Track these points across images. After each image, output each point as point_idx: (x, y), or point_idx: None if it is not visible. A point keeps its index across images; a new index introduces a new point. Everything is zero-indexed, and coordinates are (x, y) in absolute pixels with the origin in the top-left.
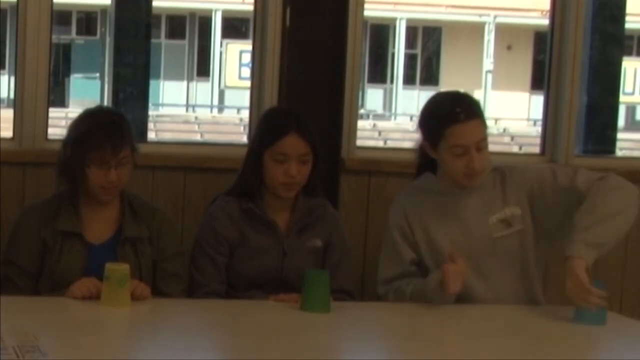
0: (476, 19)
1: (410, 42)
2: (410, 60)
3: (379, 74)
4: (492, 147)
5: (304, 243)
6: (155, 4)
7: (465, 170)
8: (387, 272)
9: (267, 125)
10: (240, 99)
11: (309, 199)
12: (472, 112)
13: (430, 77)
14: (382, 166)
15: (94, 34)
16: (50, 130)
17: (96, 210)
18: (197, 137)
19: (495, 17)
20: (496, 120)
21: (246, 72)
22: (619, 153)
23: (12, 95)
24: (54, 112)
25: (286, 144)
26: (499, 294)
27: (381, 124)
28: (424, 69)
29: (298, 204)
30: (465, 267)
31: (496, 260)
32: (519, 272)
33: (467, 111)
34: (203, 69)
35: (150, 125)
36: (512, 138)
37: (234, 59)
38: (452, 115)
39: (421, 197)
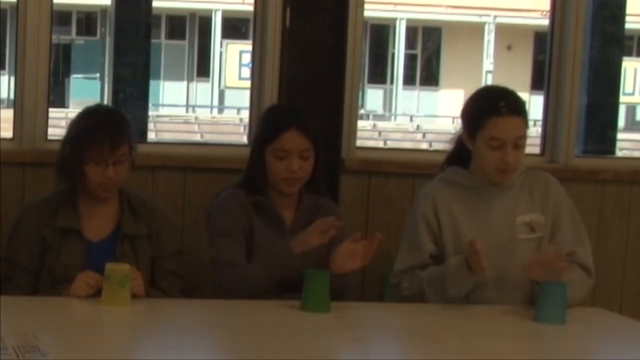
0: (476, 19)
1: (410, 42)
2: (410, 60)
3: (379, 74)
4: None
5: None
6: (155, 4)
7: (498, 164)
8: (403, 263)
9: (267, 122)
10: (240, 99)
11: (313, 197)
12: (515, 109)
13: (430, 77)
14: (382, 166)
15: (94, 34)
16: (50, 131)
17: (95, 207)
18: (197, 137)
19: (495, 17)
20: None
21: (246, 72)
22: (619, 153)
23: (12, 95)
24: (54, 112)
25: (286, 139)
26: (508, 296)
27: (381, 124)
28: (424, 69)
29: (302, 201)
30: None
31: (514, 262)
32: (529, 281)
33: (510, 107)
34: (203, 69)
35: (150, 126)
36: None
37: (234, 59)
38: (495, 107)
39: (450, 190)
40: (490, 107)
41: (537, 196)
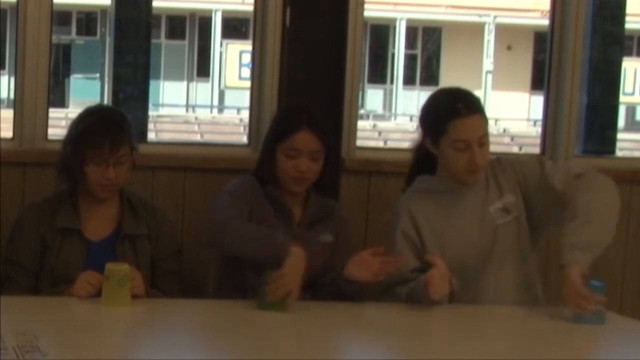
0: (476, 19)
1: (410, 42)
2: (410, 60)
3: (379, 74)
4: (492, 148)
5: (315, 238)
6: (155, 4)
7: (467, 165)
8: (386, 279)
9: (280, 120)
10: (240, 99)
11: (320, 198)
12: (474, 108)
13: (430, 77)
14: (382, 166)
15: (94, 34)
16: (50, 131)
17: (95, 207)
18: (197, 137)
19: (495, 17)
20: (496, 120)
21: (246, 72)
22: (619, 153)
23: (12, 95)
24: (54, 112)
25: (297, 139)
26: (500, 284)
27: (381, 124)
28: (424, 69)
29: (310, 202)
30: (445, 267)
31: (499, 249)
32: (518, 261)
33: (468, 106)
34: (203, 69)
35: (150, 126)
36: (512, 138)
37: (234, 59)
38: (454, 110)
39: (424, 199)
40: (449, 111)
41: (502, 178)
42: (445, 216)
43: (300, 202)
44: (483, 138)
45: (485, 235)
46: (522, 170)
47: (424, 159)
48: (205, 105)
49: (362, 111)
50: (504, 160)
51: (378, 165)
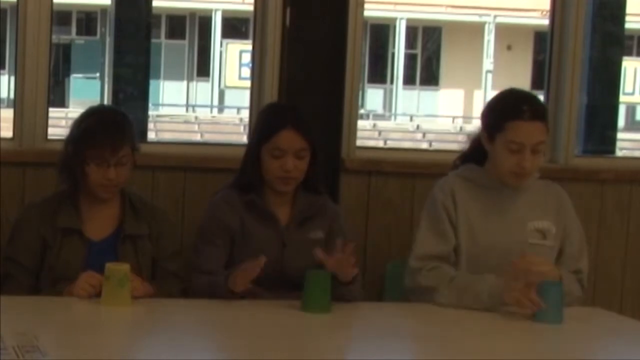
0: (476, 19)
1: (410, 42)
2: (410, 60)
3: (379, 74)
4: None
5: (305, 235)
6: (155, 4)
7: (514, 168)
8: (426, 247)
9: (264, 120)
10: (240, 99)
11: (309, 195)
12: (538, 114)
13: (430, 77)
14: (382, 166)
15: (94, 34)
16: (50, 130)
17: (96, 207)
18: (197, 137)
19: (495, 17)
20: None
21: (246, 72)
22: (619, 153)
23: (12, 95)
24: (54, 112)
25: (282, 138)
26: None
27: (381, 124)
28: (424, 69)
29: (298, 199)
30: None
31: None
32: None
33: (533, 111)
34: (203, 69)
35: (150, 125)
36: None
37: (234, 59)
38: (518, 110)
39: (466, 187)
40: (513, 110)
41: (550, 205)
42: (481, 211)
43: (287, 202)
44: (538, 146)
45: (514, 246)
46: (572, 223)
47: (478, 151)
48: (205, 105)
49: (362, 111)
50: (566, 195)
51: (378, 165)
